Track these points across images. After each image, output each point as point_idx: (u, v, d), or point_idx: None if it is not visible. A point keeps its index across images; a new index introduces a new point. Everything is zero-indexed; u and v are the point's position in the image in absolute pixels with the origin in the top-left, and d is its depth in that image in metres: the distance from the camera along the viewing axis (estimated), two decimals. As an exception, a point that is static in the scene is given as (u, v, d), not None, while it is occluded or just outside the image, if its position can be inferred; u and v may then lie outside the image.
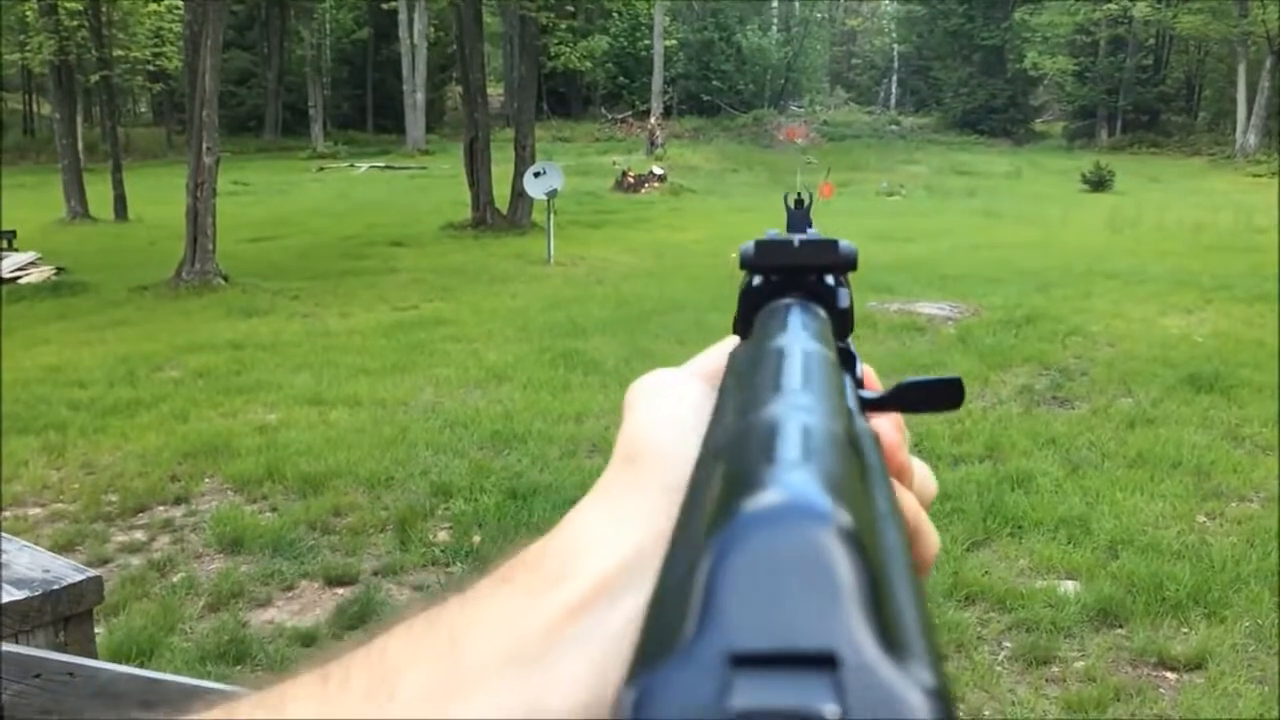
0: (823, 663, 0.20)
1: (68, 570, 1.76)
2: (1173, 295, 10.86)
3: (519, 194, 18.34)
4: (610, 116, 44.90)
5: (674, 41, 44.08)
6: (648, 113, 39.81)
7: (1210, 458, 5.87)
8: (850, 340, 0.50)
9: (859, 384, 0.48)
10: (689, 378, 0.46)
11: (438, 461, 6.00)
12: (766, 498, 0.25)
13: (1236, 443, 6.21)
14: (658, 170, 29.06)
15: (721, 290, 10.84)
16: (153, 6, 25.39)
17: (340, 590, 4.55)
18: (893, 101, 55.51)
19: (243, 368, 8.37)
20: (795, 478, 0.26)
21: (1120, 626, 4.11)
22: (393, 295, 11.95)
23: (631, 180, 27.61)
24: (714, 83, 46.92)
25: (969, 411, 6.84)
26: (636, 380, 0.46)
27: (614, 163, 31.27)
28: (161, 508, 5.49)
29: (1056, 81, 43.97)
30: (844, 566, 0.22)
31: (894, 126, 46.68)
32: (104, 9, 22.19)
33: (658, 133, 36.84)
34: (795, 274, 0.48)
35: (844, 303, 0.49)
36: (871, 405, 0.46)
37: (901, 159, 35.85)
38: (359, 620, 4.23)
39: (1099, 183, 27.44)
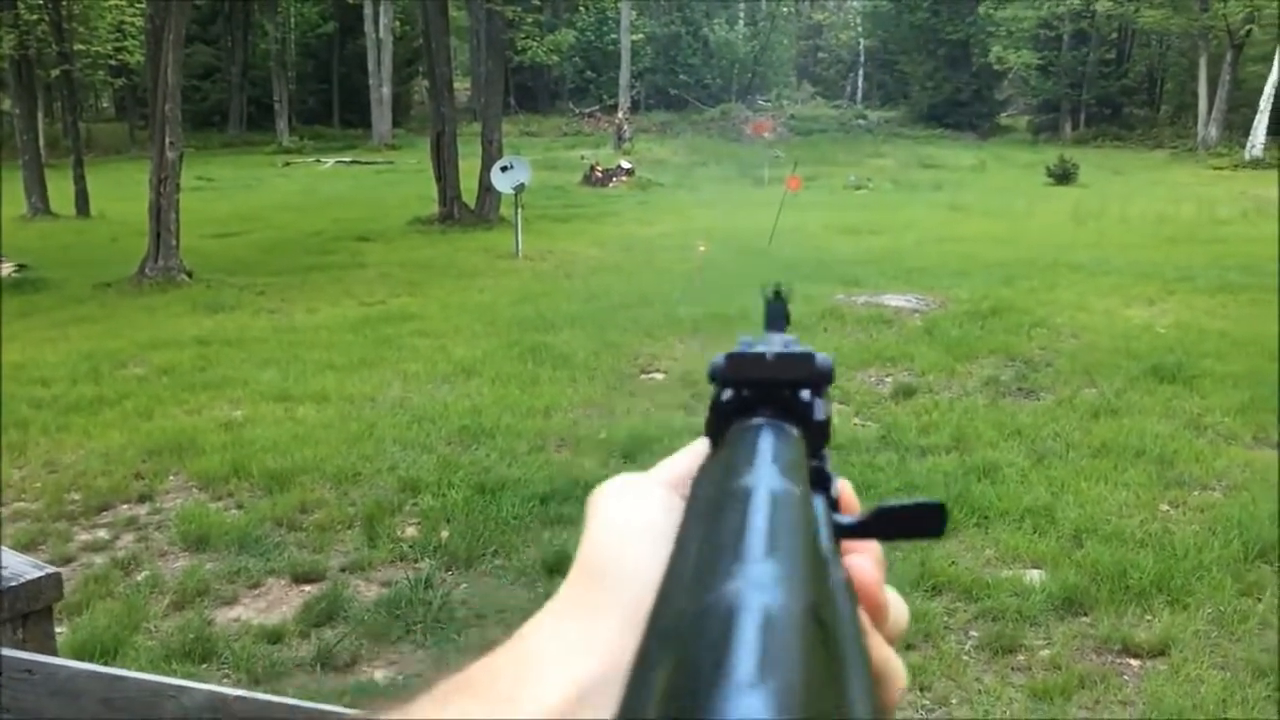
0: None
1: (26, 567, 1.74)
2: (1136, 287, 10.97)
3: (486, 188, 18.27)
4: (578, 111, 44.82)
5: (641, 36, 44.08)
6: (615, 107, 39.79)
7: (1173, 447, 5.93)
8: (827, 455, 0.47)
9: (834, 506, 0.45)
10: (654, 486, 0.43)
11: (405, 457, 5.97)
12: None
13: (1199, 432, 6.28)
14: (625, 164, 29.04)
15: (690, 284, 10.85)
16: (114, 1, 25.09)
17: (307, 587, 4.52)
18: (859, 95, 55.71)
19: (208, 364, 8.29)
20: (748, 706, 0.23)
21: (1085, 614, 4.15)
22: (359, 290, 11.88)
23: (599, 174, 27.58)
24: (681, 77, 46.95)
25: (936, 403, 6.89)
26: (600, 485, 0.44)
27: (582, 157, 31.23)
28: (125, 506, 5.44)
29: (1021, 75, 44.27)
30: None
31: (861, 120, 46.84)
32: (64, 3, 21.90)
33: (625, 127, 36.82)
34: (768, 389, 0.46)
35: (820, 415, 0.46)
36: (847, 533, 0.43)
37: (868, 153, 35.99)
38: (326, 617, 4.20)
39: (1063, 176, 27.65)
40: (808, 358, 0.45)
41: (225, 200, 23.12)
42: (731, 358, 0.45)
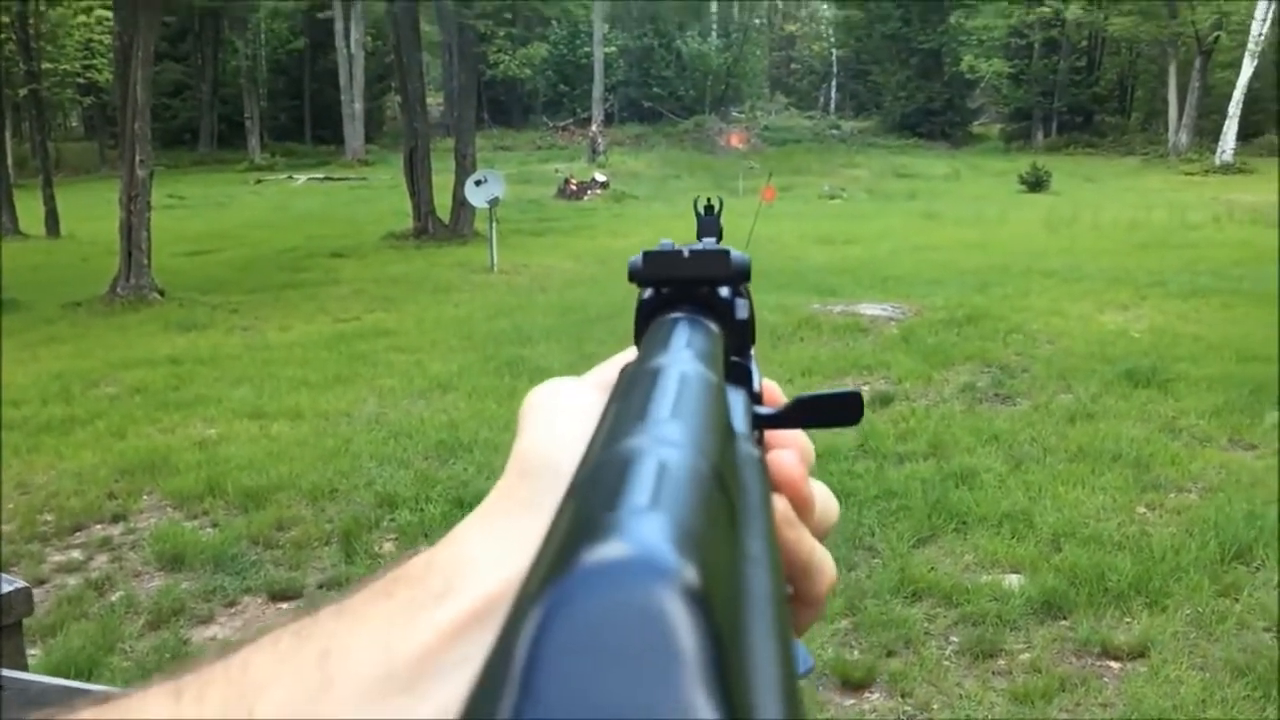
0: None
1: (-6, 583, 1.71)
2: (1109, 292, 11.04)
3: (461, 203, 18.23)
4: (551, 124, 44.83)
5: (614, 48, 44.18)
6: (589, 120, 39.83)
7: (1149, 450, 5.96)
8: (752, 354, 0.48)
9: (758, 400, 0.46)
10: (587, 389, 0.44)
11: (382, 472, 5.93)
12: (601, 552, 0.22)
13: (1174, 435, 6.31)
14: (600, 177, 29.06)
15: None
16: (82, 18, 24.96)
17: (284, 605, 4.48)
18: (832, 106, 56.01)
19: (181, 383, 8.23)
20: (639, 527, 0.23)
21: (1064, 618, 4.15)
22: (334, 307, 11.82)
23: (574, 187, 27.58)
24: (655, 89, 47.01)
25: (913, 410, 6.91)
26: (532, 390, 0.44)
27: (556, 170, 31.22)
28: (99, 526, 5.38)
29: (993, 84, 44.60)
30: (685, 632, 0.20)
31: (834, 130, 47.05)
32: (32, 21, 21.76)
33: (599, 140, 36.83)
34: (685, 286, 0.46)
35: (742, 314, 0.47)
36: (767, 422, 0.44)
37: (842, 162, 36.14)
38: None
39: (1036, 183, 27.84)
40: (724, 254, 0.45)
41: (197, 218, 22.98)
42: (648, 255, 0.46)
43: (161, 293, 12.73)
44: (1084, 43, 43.97)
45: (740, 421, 0.40)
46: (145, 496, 5.76)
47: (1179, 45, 37.33)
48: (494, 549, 0.36)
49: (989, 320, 9.49)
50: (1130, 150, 38.95)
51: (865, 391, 7.44)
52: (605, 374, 0.45)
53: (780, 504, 0.39)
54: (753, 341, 0.48)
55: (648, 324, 0.45)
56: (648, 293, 0.47)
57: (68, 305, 12.45)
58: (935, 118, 44.98)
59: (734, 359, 0.45)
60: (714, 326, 0.44)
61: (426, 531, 5.08)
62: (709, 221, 0.72)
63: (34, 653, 4.05)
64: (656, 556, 0.22)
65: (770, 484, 0.38)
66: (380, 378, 8.18)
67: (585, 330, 9.76)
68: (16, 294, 13.53)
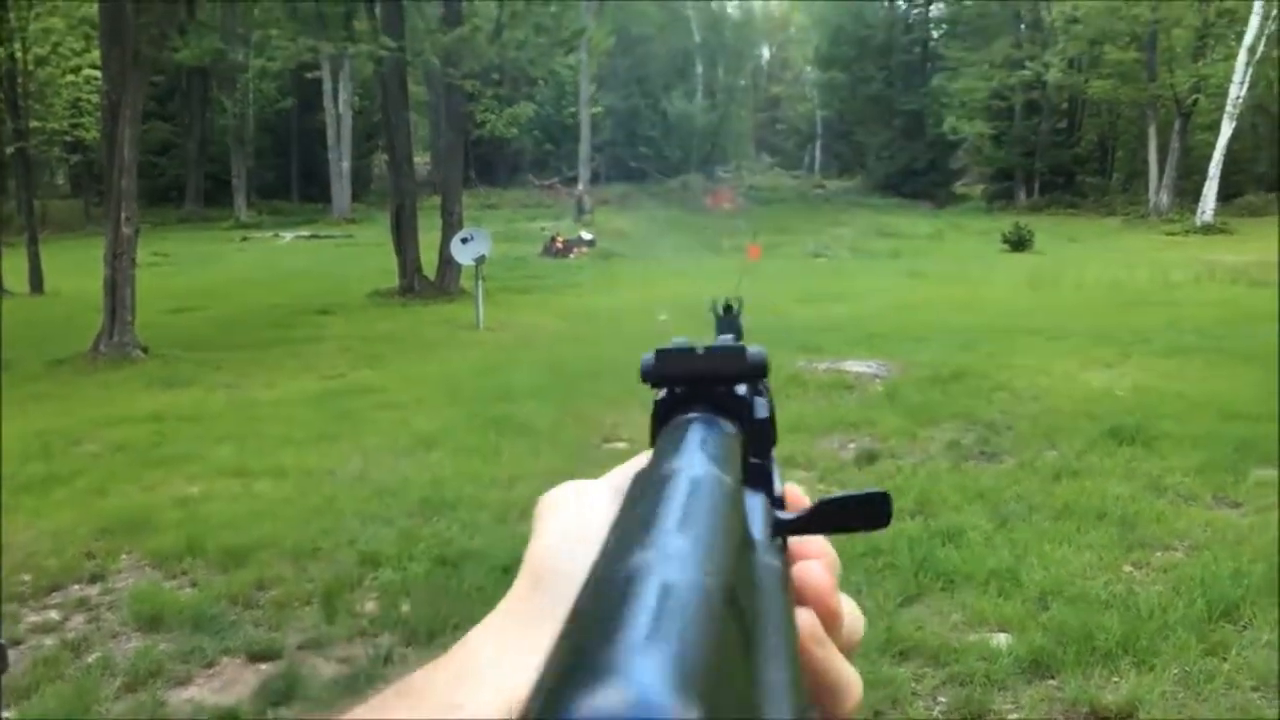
0: None
1: (-39, 647, 1.67)
2: (1093, 350, 11.09)
3: (447, 261, 18.30)
4: (538, 183, 45.15)
5: (600, 108, 44.63)
6: (575, 179, 40.16)
7: (1134, 508, 5.95)
8: (773, 456, 0.46)
9: (779, 504, 0.44)
10: (603, 491, 0.43)
11: (365, 530, 5.88)
12: (596, 700, 0.20)
13: (1159, 493, 6.31)
14: (586, 235, 29.25)
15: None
16: (70, 77, 25.11)
17: (263, 665, 4.40)
18: (817, 166, 56.60)
19: (163, 440, 8.17)
20: (636, 667, 0.21)
21: (1052, 677, 4.12)
22: (319, 364, 11.79)
23: (560, 245, 27.72)
24: (641, 149, 47.49)
25: (899, 467, 6.89)
26: (548, 492, 0.43)
27: (542, 229, 31.40)
28: (77, 586, 5.30)
29: (975, 145, 45.18)
30: None
31: (819, 190, 47.53)
32: (20, 80, 21.89)
33: (585, 198, 37.11)
34: (701, 385, 0.45)
35: (761, 414, 0.45)
36: (789, 529, 0.42)
37: (827, 221, 36.43)
38: (283, 696, 4.09)
39: (1019, 243, 28.09)
40: (739, 351, 0.44)
41: (182, 276, 22.97)
42: (660, 353, 0.44)
43: (145, 350, 12.69)
44: (1065, 105, 44.67)
45: (759, 529, 0.38)
46: (124, 556, 5.68)
47: (1158, 107, 37.91)
48: (500, 663, 0.35)
49: (974, 378, 9.52)
50: (1112, 210, 39.38)
51: (851, 449, 7.45)
52: (621, 476, 0.44)
53: (807, 619, 0.37)
54: (774, 442, 0.46)
55: (663, 425, 0.44)
56: (662, 392, 0.45)
57: (50, 362, 12.39)
58: (918, 178, 45.49)
59: (753, 460, 0.43)
60: (731, 427, 0.43)
61: (409, 590, 5.02)
62: (727, 322, 0.71)
63: (8, 715, 3.98)
64: (654, 704, 0.20)
65: (793, 598, 0.36)
66: (365, 435, 8.14)
67: (571, 388, 9.75)
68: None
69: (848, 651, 0.41)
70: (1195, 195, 34.73)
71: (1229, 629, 4.44)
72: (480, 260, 14.86)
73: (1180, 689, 3.99)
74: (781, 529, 0.41)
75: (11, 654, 4.51)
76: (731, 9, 56.15)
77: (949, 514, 5.92)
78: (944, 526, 5.68)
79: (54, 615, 4.98)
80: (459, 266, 17.88)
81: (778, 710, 0.25)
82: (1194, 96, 36.37)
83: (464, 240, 15.39)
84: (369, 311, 17.11)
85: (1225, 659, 4.19)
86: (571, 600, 0.29)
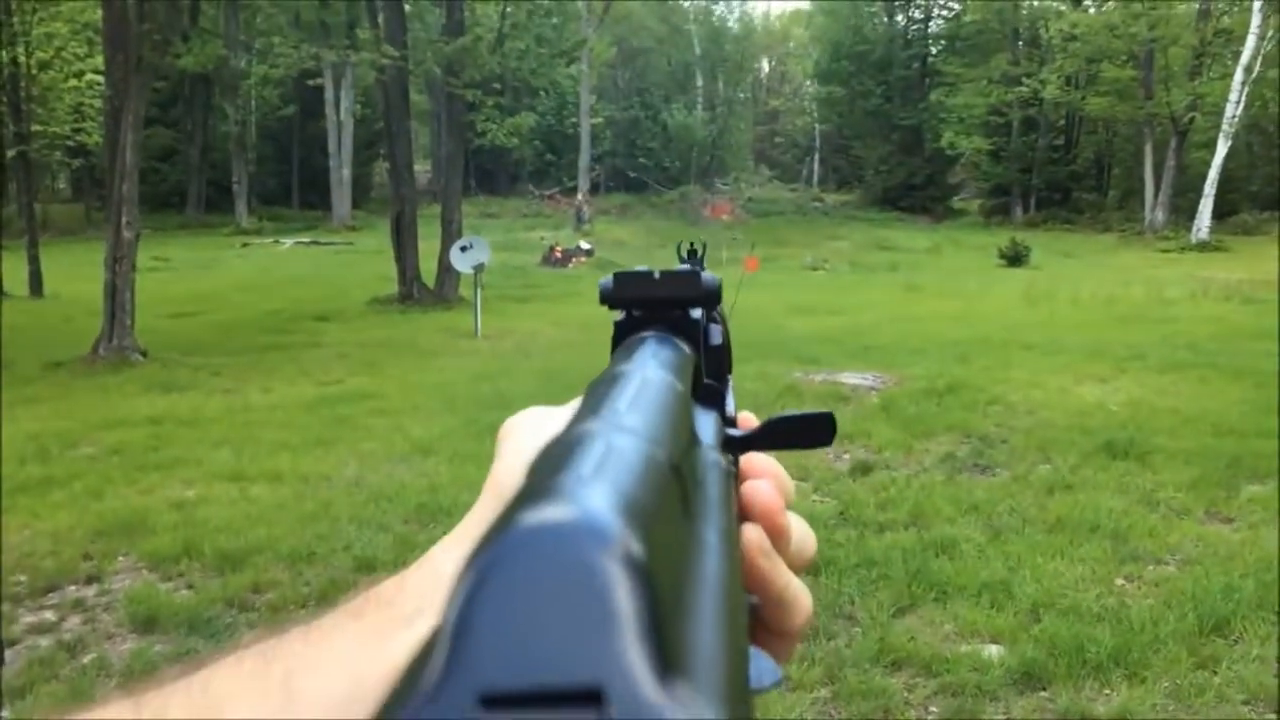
0: (587, 699, 0.17)
1: (-34, 638, 1.69)
2: (1088, 365, 11.13)
3: (446, 269, 18.34)
4: (537, 193, 45.22)
5: (601, 119, 44.74)
6: (575, 189, 40.24)
7: (1127, 522, 5.97)
8: (729, 379, 0.47)
9: (730, 423, 0.45)
10: (565, 416, 0.43)
11: (361, 536, 5.89)
12: (543, 513, 0.22)
13: (1152, 507, 6.33)
14: (585, 245, 29.30)
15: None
16: (73, 82, 25.15)
17: (258, 669, 4.42)
18: (815, 179, 56.72)
19: (160, 444, 8.18)
20: (584, 493, 0.23)
21: (1044, 689, 4.14)
22: (317, 370, 11.81)
23: (559, 255, 27.78)
24: (640, 160, 47.59)
25: (893, 479, 6.92)
26: (510, 417, 0.45)
27: (541, 238, 31.46)
28: (73, 587, 5.31)
29: (972, 160, 45.31)
30: (621, 591, 0.19)
31: (817, 203, 47.61)
32: (23, 84, 21.93)
33: (585, 208, 37.17)
34: (657, 308, 0.46)
35: (716, 339, 0.47)
36: (739, 444, 0.43)
37: (825, 234, 36.51)
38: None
39: (1015, 258, 28.17)
40: (694, 275, 0.45)
41: (182, 281, 23.00)
42: (619, 277, 0.46)
43: (144, 354, 12.71)
44: (1061, 122, 44.82)
45: (708, 434, 0.39)
46: (121, 558, 5.69)
47: (1155, 125, 38.04)
48: None
49: (969, 391, 9.55)
50: (1107, 227, 39.46)
51: (846, 460, 7.48)
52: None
53: (755, 533, 0.38)
54: (729, 369, 0.48)
55: (618, 345, 0.46)
56: (620, 316, 0.47)
57: (49, 365, 12.40)
58: (916, 192, 45.60)
59: (708, 381, 0.45)
60: (685, 346, 0.44)
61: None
62: (691, 263, 0.73)
63: (3, 714, 4.00)
64: (597, 520, 0.21)
65: (735, 494, 0.37)
66: (361, 441, 8.16)
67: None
68: (-3, 353, 13.49)
69: (797, 568, 0.42)
70: (1190, 213, 34.85)
71: (1220, 643, 4.47)
72: (479, 268, 14.90)
73: (1171, 702, 4.01)
74: (731, 444, 0.43)
75: (7, 654, 4.52)
76: (732, 23, 56.34)
77: (943, 526, 5.94)
78: (937, 538, 5.70)
79: (50, 616, 4.99)
80: (458, 274, 17.92)
81: (709, 564, 0.26)
82: (1190, 115, 36.51)
83: (463, 248, 15.43)
84: (367, 318, 17.14)
85: (1216, 673, 4.22)
86: None
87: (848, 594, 4.98)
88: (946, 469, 7.23)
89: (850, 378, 10.32)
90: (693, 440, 0.36)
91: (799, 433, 0.45)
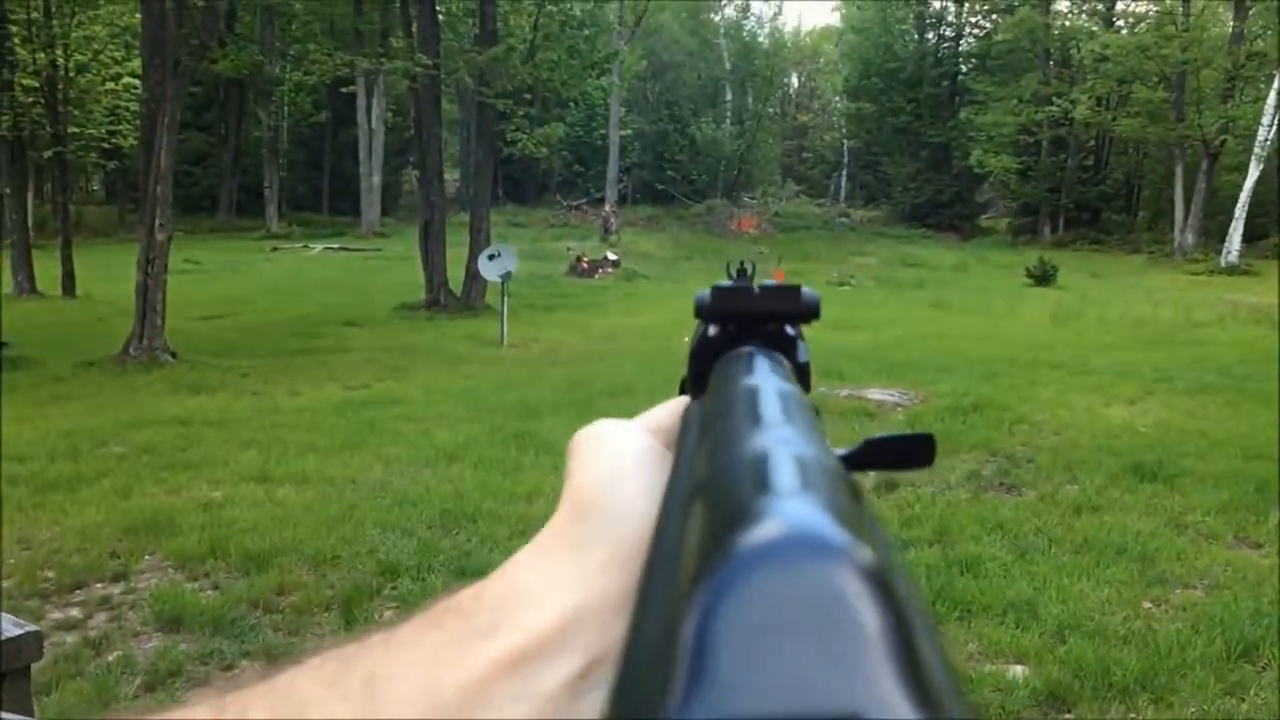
0: None
1: (8, 625, 1.71)
2: (1116, 386, 11.06)
3: (473, 276, 18.42)
4: (566, 203, 45.35)
5: (629, 131, 44.81)
6: (603, 200, 40.31)
7: (1154, 545, 5.93)
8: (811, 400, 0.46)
9: None
10: (638, 431, 0.43)
11: (385, 540, 5.92)
12: (767, 530, 0.20)
13: (1180, 530, 6.29)
14: (612, 256, 29.34)
15: (673, 373, 10.86)
16: (110, 85, 25.43)
17: (282, 670, 4.44)
18: (843, 195, 56.61)
19: (189, 444, 8.25)
20: (800, 507, 0.21)
21: (1068, 711, 4.11)
22: (344, 374, 11.88)
23: (586, 265, 27.83)
24: (668, 172, 47.64)
25: (918, 496, 6.89)
26: (580, 430, 0.43)
27: (568, 248, 31.53)
28: (100, 585, 5.36)
29: (1001, 179, 45.09)
30: (868, 610, 0.18)
31: (844, 219, 47.50)
32: (60, 86, 22.19)
33: (612, 219, 37.24)
34: (755, 323, 0.45)
35: (803, 357, 0.46)
36: (842, 463, 0.41)
37: (851, 250, 36.42)
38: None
39: (1043, 277, 28.01)
40: (794, 290, 0.45)
41: (213, 283, 23.18)
42: (717, 291, 0.45)
43: (174, 355, 12.82)
44: (1091, 142, 44.56)
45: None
46: (147, 556, 5.74)
47: (1186, 148, 37.77)
48: (546, 586, 0.35)
49: (995, 409, 9.50)
50: (1136, 248, 39.18)
51: (870, 476, 7.44)
52: (655, 417, 0.44)
53: None
54: (810, 387, 0.46)
55: (707, 362, 0.44)
56: (711, 329, 0.45)
57: (80, 364, 12.52)
58: (944, 210, 45.44)
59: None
60: (786, 363, 0.43)
61: (427, 601, 5.04)
62: (741, 283, 0.71)
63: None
64: (831, 534, 0.20)
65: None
66: (387, 446, 8.19)
67: (593, 405, 9.78)
68: (30, 351, 13.63)
69: None
70: (1220, 236, 34.56)
71: (1248, 669, 4.43)
72: (506, 277, 14.94)
73: (1197, 727, 3.98)
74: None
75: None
76: (762, 38, 56.37)
77: (967, 544, 5.92)
78: (962, 556, 5.68)
79: (76, 613, 5.04)
80: (485, 283, 18.00)
81: (903, 582, 0.25)
82: (1222, 138, 36.23)
83: (491, 257, 15.48)
84: (395, 324, 17.22)
85: (1243, 699, 4.18)
86: (616, 533, 0.30)
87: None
88: (972, 487, 7.20)
89: (876, 394, 10.29)
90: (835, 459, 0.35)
91: (900, 453, 0.44)
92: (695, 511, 0.25)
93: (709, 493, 0.26)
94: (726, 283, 0.46)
